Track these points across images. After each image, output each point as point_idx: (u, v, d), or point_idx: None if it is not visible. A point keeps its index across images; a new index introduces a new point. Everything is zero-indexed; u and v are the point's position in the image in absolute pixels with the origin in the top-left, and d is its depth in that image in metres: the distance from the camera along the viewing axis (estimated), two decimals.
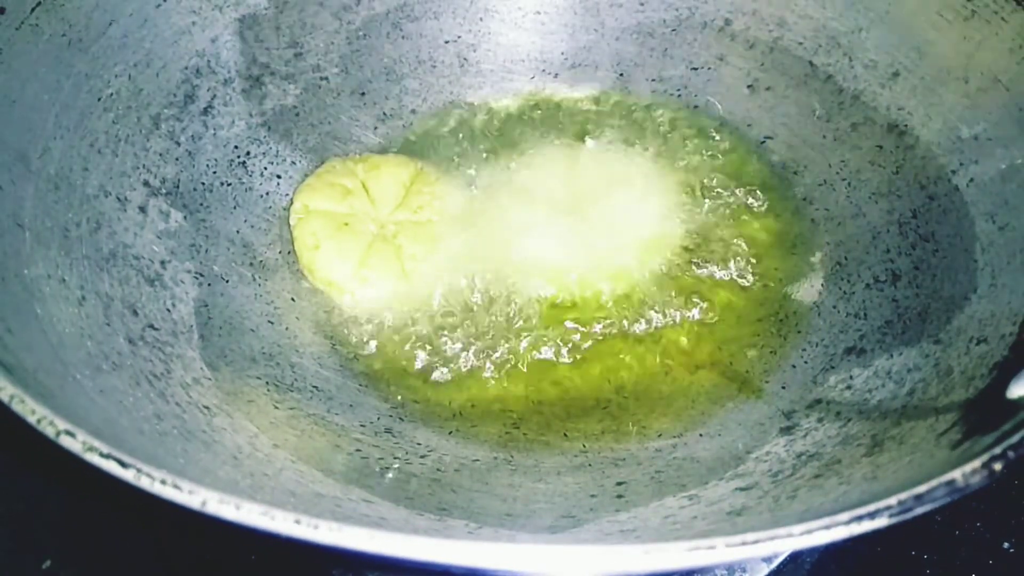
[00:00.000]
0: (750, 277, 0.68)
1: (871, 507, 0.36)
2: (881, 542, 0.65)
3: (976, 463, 0.38)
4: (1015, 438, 0.39)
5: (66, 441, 0.38)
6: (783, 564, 0.64)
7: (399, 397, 0.63)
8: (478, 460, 0.59)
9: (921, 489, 0.37)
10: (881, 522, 0.36)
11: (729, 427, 0.60)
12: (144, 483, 0.37)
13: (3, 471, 0.70)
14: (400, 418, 0.61)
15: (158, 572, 0.67)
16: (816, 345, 0.64)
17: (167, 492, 0.37)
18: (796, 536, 0.36)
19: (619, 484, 0.56)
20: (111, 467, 0.37)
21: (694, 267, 0.68)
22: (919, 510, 0.37)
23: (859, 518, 0.36)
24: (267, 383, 0.60)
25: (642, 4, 0.79)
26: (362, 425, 0.60)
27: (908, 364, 0.57)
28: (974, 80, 0.62)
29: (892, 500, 0.37)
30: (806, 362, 0.63)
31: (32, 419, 0.39)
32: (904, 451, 0.48)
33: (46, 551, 0.66)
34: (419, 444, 0.60)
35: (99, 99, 0.62)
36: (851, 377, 0.59)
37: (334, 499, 0.51)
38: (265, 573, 0.67)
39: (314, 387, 0.62)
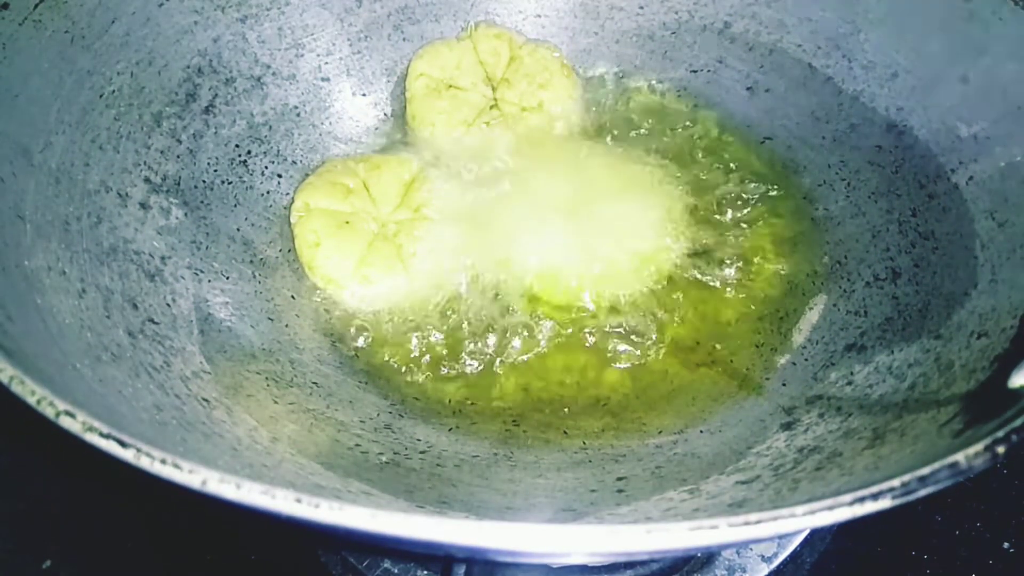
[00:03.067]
0: (751, 275, 0.68)
1: (874, 488, 0.36)
2: (881, 542, 0.65)
3: (979, 446, 0.38)
4: (1018, 422, 0.39)
5: (66, 421, 0.38)
6: (783, 564, 0.63)
7: (398, 394, 0.63)
8: (478, 456, 0.59)
9: (925, 471, 0.37)
10: (884, 503, 0.36)
11: (730, 423, 0.60)
12: (144, 463, 0.36)
13: (3, 471, 0.70)
14: (400, 415, 0.61)
15: (158, 572, 0.67)
16: (816, 342, 0.63)
17: (167, 471, 0.36)
18: (799, 516, 0.35)
19: (620, 479, 0.56)
20: (111, 447, 0.37)
21: (694, 266, 0.68)
22: (922, 492, 0.36)
23: (862, 499, 0.36)
24: (267, 378, 0.60)
25: (642, 7, 0.79)
26: (362, 421, 0.60)
27: (909, 359, 0.56)
28: (972, 80, 0.63)
29: (895, 482, 0.36)
30: (806, 359, 0.63)
31: (32, 400, 0.38)
32: (906, 442, 0.48)
33: (46, 551, 0.66)
34: (419, 440, 0.59)
35: (101, 96, 0.62)
36: (852, 373, 0.59)
37: (334, 491, 0.50)
38: (265, 573, 0.66)
39: (314, 383, 0.61)
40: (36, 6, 0.58)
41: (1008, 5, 0.60)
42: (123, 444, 0.37)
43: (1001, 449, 0.38)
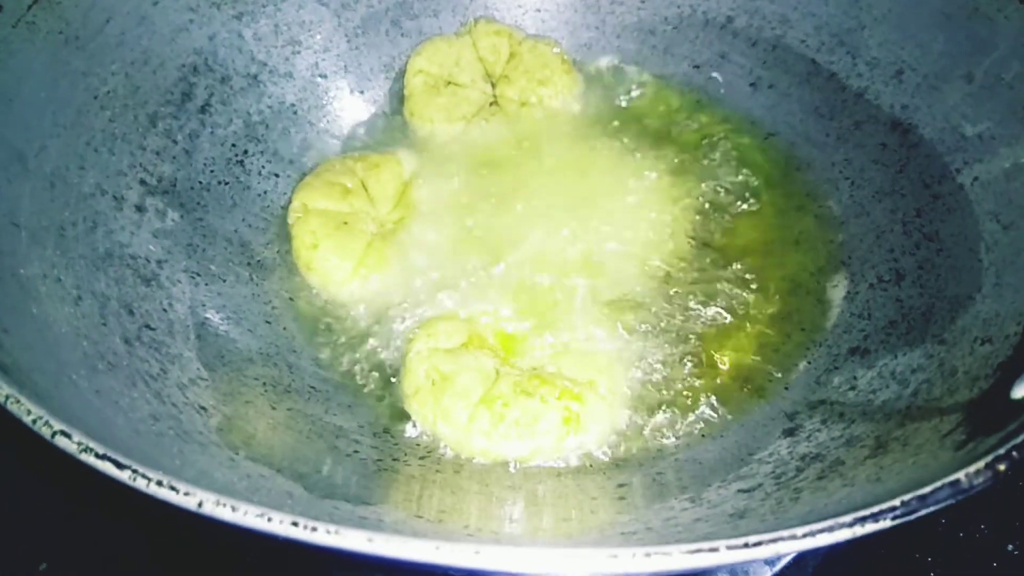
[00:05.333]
0: (753, 276, 0.67)
1: (874, 508, 0.36)
2: (885, 544, 0.65)
3: (980, 464, 0.37)
4: (1019, 438, 0.38)
5: (62, 442, 0.38)
6: (786, 566, 0.63)
7: (398, 396, 0.62)
8: (477, 460, 0.58)
9: (925, 490, 0.37)
10: (885, 524, 0.36)
11: (732, 428, 0.60)
12: (140, 484, 0.36)
13: (2, 472, 0.69)
14: (398, 418, 0.61)
15: (155, 574, 0.67)
16: (820, 345, 0.63)
17: (163, 493, 0.36)
18: (799, 538, 0.35)
19: (620, 486, 0.56)
20: (107, 468, 0.37)
21: (696, 266, 0.67)
22: (923, 511, 0.36)
23: (863, 520, 0.36)
24: (264, 384, 0.59)
25: (643, 1, 0.78)
26: (360, 426, 0.60)
27: (912, 364, 0.56)
28: (978, 78, 0.62)
29: (896, 501, 0.36)
30: (809, 362, 0.62)
31: (28, 420, 0.38)
32: (908, 452, 0.47)
33: (43, 553, 0.66)
34: (418, 445, 0.59)
35: (96, 97, 0.61)
36: (855, 378, 0.59)
37: (331, 504, 0.50)
38: (263, 574, 0.66)
39: (311, 387, 0.61)
40: (30, 7, 0.58)
41: (1014, 3, 0.60)
42: (119, 465, 0.37)
43: (1002, 467, 0.38)
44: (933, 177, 0.64)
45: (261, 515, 0.35)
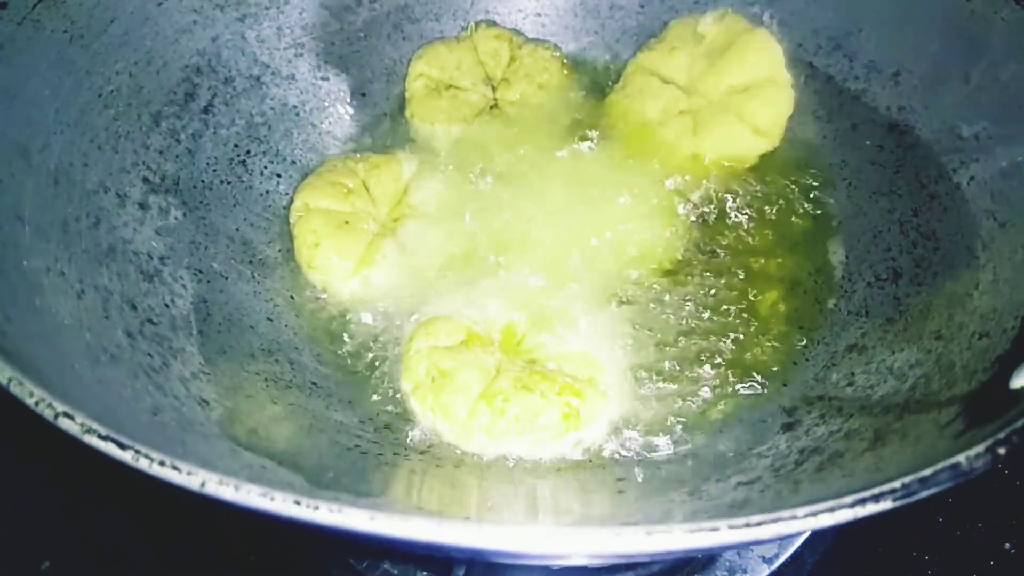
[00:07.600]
0: (751, 275, 0.67)
1: (875, 490, 0.36)
2: (883, 542, 0.65)
3: (980, 447, 0.38)
4: (1018, 424, 0.39)
5: (64, 423, 0.38)
6: (784, 564, 0.63)
7: (399, 393, 0.62)
8: (478, 456, 0.59)
9: (926, 472, 0.37)
10: (885, 505, 0.36)
11: (731, 423, 0.60)
12: (142, 464, 0.36)
13: (3, 472, 0.70)
14: (399, 414, 0.61)
15: (157, 573, 0.67)
16: (818, 342, 0.63)
17: (165, 473, 0.36)
18: (800, 518, 0.35)
19: (620, 480, 0.56)
20: (109, 448, 0.37)
21: (694, 266, 0.68)
22: (923, 493, 0.36)
23: (863, 501, 0.36)
24: (266, 379, 0.60)
25: (642, 6, 0.79)
26: (361, 422, 0.60)
27: (910, 360, 0.56)
28: (974, 79, 0.62)
29: (896, 483, 0.36)
30: (808, 359, 0.63)
31: (30, 401, 0.38)
32: (907, 444, 0.48)
33: (45, 552, 0.65)
34: (418, 441, 0.59)
35: (100, 96, 0.62)
36: (853, 374, 0.59)
37: (331, 493, 0.50)
38: (265, 573, 0.66)
39: (313, 383, 0.61)
40: (35, 6, 0.58)
41: (1010, 5, 0.60)
42: (122, 446, 0.37)
43: (1002, 451, 0.38)
44: (930, 177, 0.64)
45: (264, 494, 0.35)
